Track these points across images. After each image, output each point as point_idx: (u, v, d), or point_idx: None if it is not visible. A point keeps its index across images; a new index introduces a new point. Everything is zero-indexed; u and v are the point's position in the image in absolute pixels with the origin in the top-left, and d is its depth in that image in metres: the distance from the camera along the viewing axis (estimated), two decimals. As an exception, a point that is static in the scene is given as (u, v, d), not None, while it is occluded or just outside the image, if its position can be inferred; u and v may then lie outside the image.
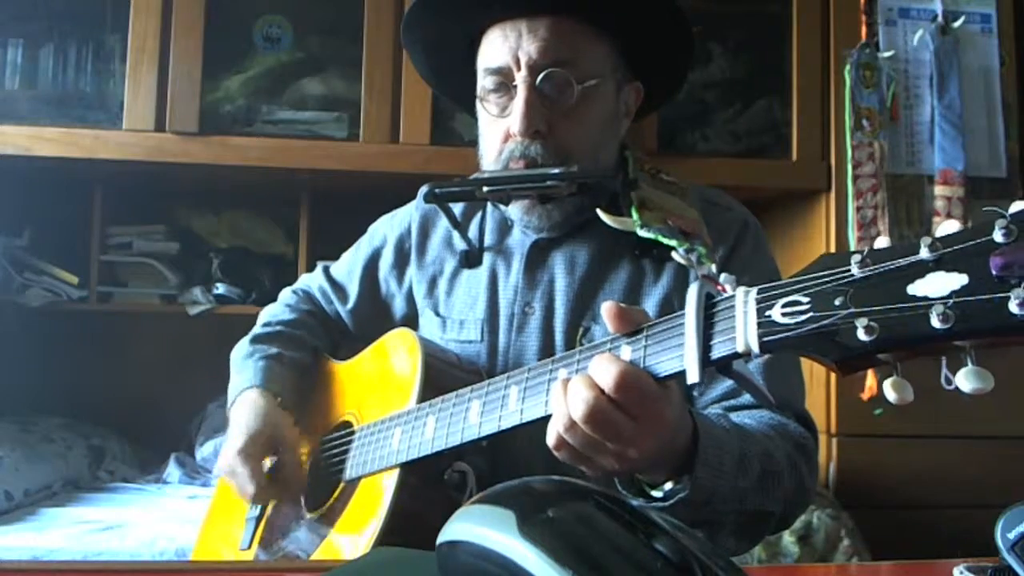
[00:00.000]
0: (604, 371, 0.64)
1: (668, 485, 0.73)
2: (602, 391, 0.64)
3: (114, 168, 1.85)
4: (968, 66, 1.94)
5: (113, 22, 1.90)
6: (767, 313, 0.55)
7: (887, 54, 1.91)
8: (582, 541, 0.43)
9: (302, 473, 1.02)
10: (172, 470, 1.99)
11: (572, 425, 0.65)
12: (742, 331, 0.56)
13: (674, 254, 0.73)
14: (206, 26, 1.80)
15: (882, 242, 0.52)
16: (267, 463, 1.01)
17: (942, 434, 1.81)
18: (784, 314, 0.54)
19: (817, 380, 1.83)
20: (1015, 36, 1.99)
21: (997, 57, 1.97)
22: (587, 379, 0.65)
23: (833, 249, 1.89)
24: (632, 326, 0.67)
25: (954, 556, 0.65)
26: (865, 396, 1.79)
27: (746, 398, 0.91)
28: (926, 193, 1.91)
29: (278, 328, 1.17)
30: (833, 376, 1.79)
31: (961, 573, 0.59)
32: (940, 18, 1.93)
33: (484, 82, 1.00)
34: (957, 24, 1.93)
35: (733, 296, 0.59)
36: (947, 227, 0.49)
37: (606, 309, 0.67)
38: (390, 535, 0.84)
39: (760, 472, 0.78)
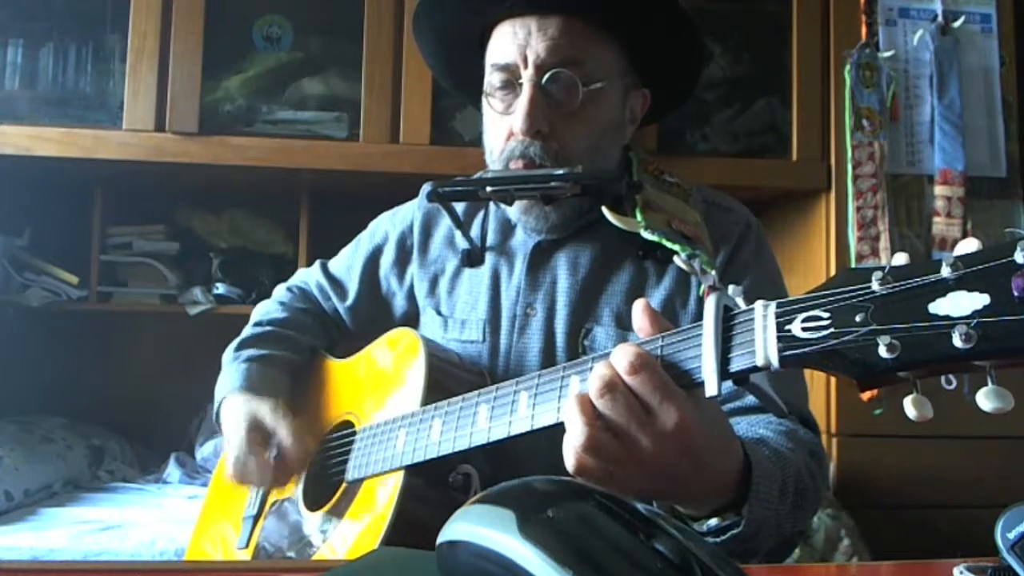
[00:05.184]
0: (622, 352, 0.61)
1: (713, 521, 0.70)
2: (617, 373, 0.61)
3: (114, 168, 1.85)
4: (968, 66, 1.94)
5: (113, 22, 1.90)
6: (787, 327, 0.54)
7: (887, 54, 1.91)
8: (582, 541, 0.43)
9: (302, 445, 1.00)
10: (172, 470, 1.99)
11: (591, 425, 0.61)
12: (761, 345, 0.55)
13: (676, 259, 0.72)
14: (206, 26, 1.80)
15: (900, 259, 0.51)
16: (272, 452, 1.01)
17: (942, 434, 1.81)
18: (804, 329, 0.53)
19: (817, 380, 1.83)
20: (1015, 36, 1.99)
21: (997, 57, 1.97)
22: (605, 361, 0.63)
23: (833, 249, 1.90)
24: (657, 330, 0.65)
25: (954, 556, 0.64)
26: (865, 396, 1.78)
27: (749, 399, 0.90)
28: (926, 193, 1.90)
29: (268, 328, 1.17)
30: (833, 377, 1.78)
31: (961, 573, 0.59)
32: (940, 18, 1.93)
33: (491, 78, 1.00)
34: (957, 24, 1.93)
35: (752, 309, 0.58)
36: (967, 245, 0.49)
37: (639, 304, 0.66)
38: (394, 537, 0.83)
39: (794, 495, 0.76)
